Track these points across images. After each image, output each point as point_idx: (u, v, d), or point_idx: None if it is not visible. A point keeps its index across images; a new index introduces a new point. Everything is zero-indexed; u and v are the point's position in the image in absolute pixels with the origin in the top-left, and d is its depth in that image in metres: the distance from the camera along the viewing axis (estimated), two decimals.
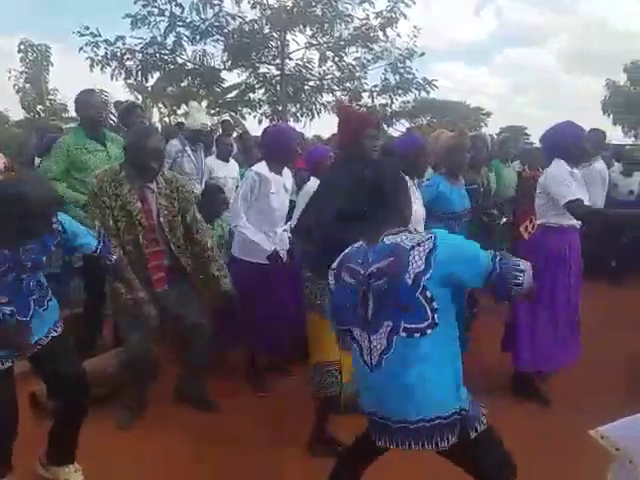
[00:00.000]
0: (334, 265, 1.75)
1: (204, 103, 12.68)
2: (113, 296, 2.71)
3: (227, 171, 4.73)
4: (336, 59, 11.63)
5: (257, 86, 12.29)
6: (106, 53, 10.56)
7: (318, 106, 12.40)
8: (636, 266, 5.59)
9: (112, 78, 10.94)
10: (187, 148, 4.72)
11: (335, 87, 12.03)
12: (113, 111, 5.51)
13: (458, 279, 1.53)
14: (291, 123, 12.04)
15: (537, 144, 3.55)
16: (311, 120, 12.50)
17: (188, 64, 11.42)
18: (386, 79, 11.69)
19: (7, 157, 8.28)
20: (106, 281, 2.79)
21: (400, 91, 11.68)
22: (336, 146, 2.56)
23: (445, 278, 1.51)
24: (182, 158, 4.69)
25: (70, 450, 2.27)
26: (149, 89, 16.27)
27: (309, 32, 11.27)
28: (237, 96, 12.97)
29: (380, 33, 11.10)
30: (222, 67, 11.70)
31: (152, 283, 2.71)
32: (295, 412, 2.86)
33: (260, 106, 12.58)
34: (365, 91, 11.99)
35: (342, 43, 11.35)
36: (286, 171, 3.06)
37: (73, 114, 18.48)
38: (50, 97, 24.38)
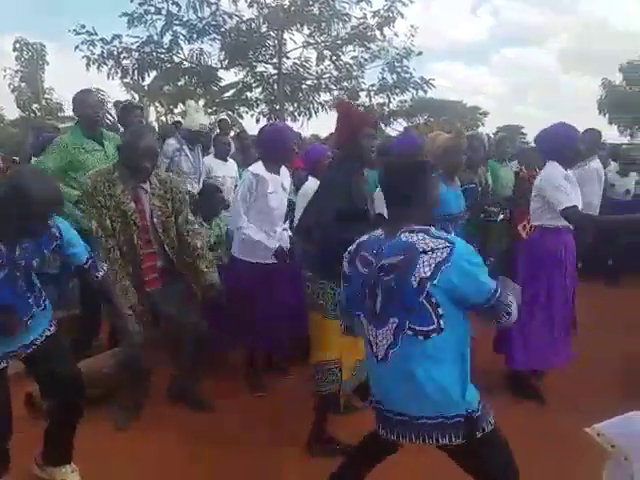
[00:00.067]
0: (350, 249, 1.75)
1: (201, 102, 12.63)
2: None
3: (225, 170, 4.73)
4: (333, 58, 11.62)
5: (254, 85, 12.26)
6: (102, 52, 10.52)
7: (315, 105, 12.38)
8: (633, 266, 5.62)
9: (108, 77, 10.91)
10: (184, 147, 4.72)
11: (332, 86, 12.03)
12: (110, 110, 5.49)
13: (461, 296, 1.54)
14: (289, 122, 12.03)
15: (534, 144, 3.57)
16: (308, 119, 12.49)
17: (185, 63, 11.37)
18: (383, 78, 11.71)
19: (2, 155, 8.26)
20: None
21: (397, 90, 11.68)
22: (334, 144, 2.56)
23: (449, 291, 1.51)
24: (179, 157, 4.69)
25: (66, 450, 2.26)
26: (146, 88, 16.25)
27: (306, 31, 11.26)
28: (234, 95, 12.93)
29: (377, 32, 11.10)
30: (219, 66, 11.67)
31: (146, 283, 2.71)
32: (293, 412, 2.86)
33: (257, 105, 12.55)
34: (362, 90, 12.00)
35: (339, 42, 11.34)
36: (284, 170, 3.06)
37: (69, 113, 18.44)
38: (46, 96, 24.30)
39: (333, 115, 2.55)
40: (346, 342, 2.34)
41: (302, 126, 12.35)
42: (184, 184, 3.55)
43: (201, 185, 4.44)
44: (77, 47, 10.30)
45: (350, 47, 11.50)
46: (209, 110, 12.54)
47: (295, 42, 11.47)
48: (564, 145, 2.89)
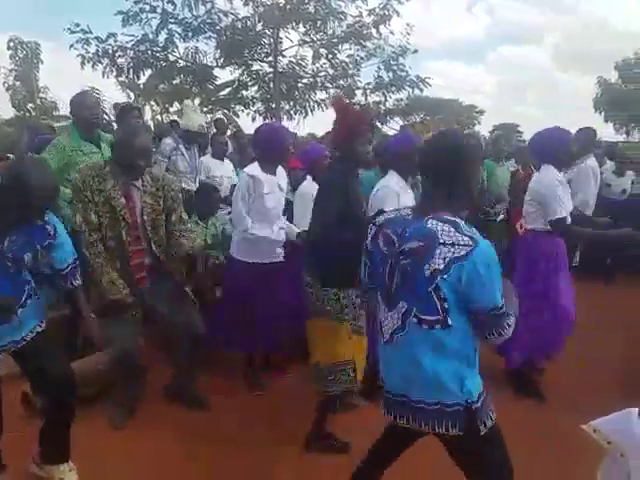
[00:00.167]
0: (376, 221, 1.71)
1: (197, 101, 12.62)
2: (95, 297, 2.68)
3: (223, 170, 4.73)
4: (329, 56, 11.60)
5: (250, 84, 12.23)
6: (97, 50, 10.46)
7: (311, 103, 12.37)
8: (630, 265, 5.65)
9: (103, 76, 10.85)
10: (180, 146, 4.72)
11: (328, 85, 12.01)
12: (106, 110, 5.49)
13: (466, 297, 1.49)
14: (285, 121, 12.03)
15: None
16: (304, 118, 12.48)
17: (180, 61, 11.33)
18: (379, 77, 11.69)
19: None
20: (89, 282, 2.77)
21: (393, 89, 11.67)
22: (331, 143, 2.56)
23: (457, 288, 1.48)
24: (176, 156, 4.69)
25: (63, 449, 2.26)
26: (141, 87, 16.16)
27: (302, 29, 11.23)
28: (230, 94, 12.89)
29: (373, 30, 11.09)
30: (215, 64, 11.64)
31: (135, 281, 2.70)
32: (291, 411, 2.87)
33: (253, 104, 12.52)
34: (358, 89, 11.98)
35: (335, 40, 11.32)
36: (280, 170, 3.06)
37: (64, 112, 18.36)
38: (41, 95, 24.19)
39: (329, 113, 2.56)
40: (354, 343, 2.36)
41: (298, 124, 12.38)
42: (179, 182, 3.53)
43: (197, 184, 4.44)
44: (72, 46, 10.26)
45: (346, 45, 11.49)
46: (205, 109, 12.52)
47: (291, 40, 11.46)
48: (557, 149, 2.95)
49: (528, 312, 2.94)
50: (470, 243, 1.46)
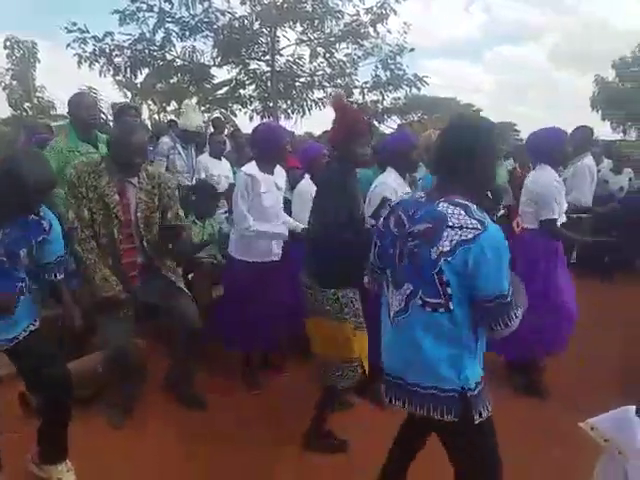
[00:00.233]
0: (391, 203, 1.71)
1: (194, 100, 12.60)
2: (86, 295, 2.68)
3: (220, 169, 4.73)
4: (327, 55, 11.62)
5: (247, 82, 12.23)
6: (94, 49, 10.46)
7: (309, 102, 12.38)
8: (628, 264, 5.66)
9: (100, 75, 10.85)
10: (177, 145, 4.72)
11: (326, 84, 12.02)
12: (103, 110, 5.49)
13: (470, 282, 1.47)
14: (282, 120, 12.03)
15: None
16: (302, 117, 12.50)
17: (177, 60, 11.32)
18: (377, 75, 11.71)
19: None
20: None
21: (391, 87, 11.69)
22: (329, 142, 2.56)
23: (461, 273, 1.45)
24: (174, 155, 4.70)
25: (60, 448, 2.26)
26: (138, 86, 16.14)
27: (299, 28, 11.25)
28: (227, 93, 12.89)
29: (370, 29, 11.12)
30: (212, 63, 11.64)
31: (127, 280, 2.70)
32: (289, 409, 2.87)
33: (250, 103, 12.52)
34: (356, 87, 11.99)
35: (332, 39, 11.34)
36: (278, 169, 3.06)
37: (61, 111, 18.32)
38: (37, 94, 24.11)
39: (327, 112, 2.56)
40: (358, 340, 2.36)
41: (295, 123, 12.38)
42: (175, 180, 3.53)
43: (194, 183, 4.45)
44: (69, 45, 10.25)
45: (343, 44, 11.50)
46: (202, 108, 12.51)
47: (288, 39, 11.48)
48: (553, 148, 2.98)
49: (528, 312, 2.95)
50: (478, 227, 1.44)
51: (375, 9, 10.88)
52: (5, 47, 23.41)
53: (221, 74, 12.83)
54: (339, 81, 11.98)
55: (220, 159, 4.82)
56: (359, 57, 11.74)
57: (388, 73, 11.55)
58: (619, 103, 24.21)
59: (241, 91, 12.51)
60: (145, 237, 2.72)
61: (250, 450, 2.56)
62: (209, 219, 3.79)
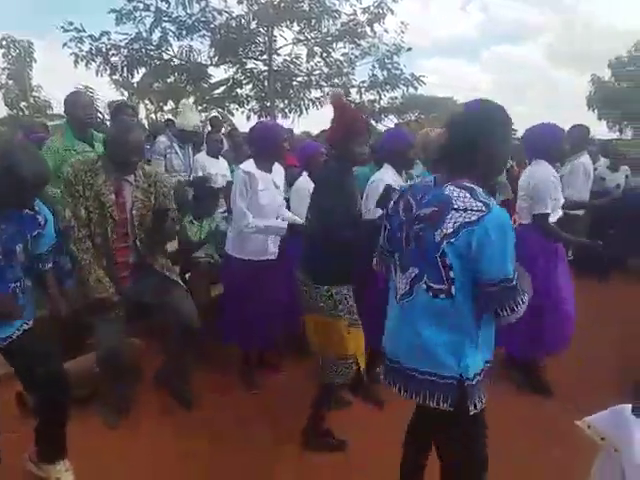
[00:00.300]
0: (401, 188, 1.72)
1: (191, 99, 12.60)
2: (80, 296, 2.67)
3: (218, 168, 4.73)
4: (324, 55, 11.62)
5: (244, 82, 12.22)
6: (91, 49, 10.43)
7: (306, 102, 12.38)
8: (622, 261, 5.68)
9: (97, 74, 10.82)
10: (174, 144, 4.72)
11: (323, 83, 12.02)
12: (100, 109, 5.48)
13: (474, 265, 1.45)
14: (279, 119, 12.02)
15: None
16: (299, 116, 12.49)
17: (174, 60, 11.30)
18: (374, 75, 11.72)
19: None
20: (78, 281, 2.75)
21: (388, 87, 11.70)
22: (327, 140, 2.56)
23: (464, 255, 1.44)
24: (171, 154, 4.69)
25: (58, 447, 2.26)
26: (135, 85, 16.10)
27: (296, 28, 11.24)
28: (224, 92, 12.87)
29: (367, 29, 11.13)
30: (209, 63, 11.62)
31: (119, 280, 2.70)
32: (286, 408, 2.87)
33: (248, 102, 12.51)
34: (353, 87, 12.00)
35: (330, 39, 11.34)
36: (277, 167, 3.06)
37: (57, 111, 18.27)
38: (34, 94, 24.05)
39: (324, 112, 2.55)
40: (353, 337, 2.36)
41: (293, 123, 12.37)
42: (171, 180, 3.53)
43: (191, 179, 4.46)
44: (65, 44, 10.21)
45: (340, 44, 11.52)
46: (199, 107, 12.49)
47: (285, 39, 11.47)
48: (550, 145, 2.98)
49: (528, 310, 2.96)
50: (483, 209, 1.43)
51: (372, 8, 10.89)
52: (1, 46, 23.35)
53: (218, 73, 12.87)
54: (336, 80, 11.99)
55: (217, 158, 4.81)
56: (356, 56, 11.76)
57: (385, 72, 11.56)
58: (615, 102, 24.30)
59: (238, 90, 12.50)
60: (139, 236, 2.72)
61: (248, 449, 2.56)
62: (207, 220, 3.78)
